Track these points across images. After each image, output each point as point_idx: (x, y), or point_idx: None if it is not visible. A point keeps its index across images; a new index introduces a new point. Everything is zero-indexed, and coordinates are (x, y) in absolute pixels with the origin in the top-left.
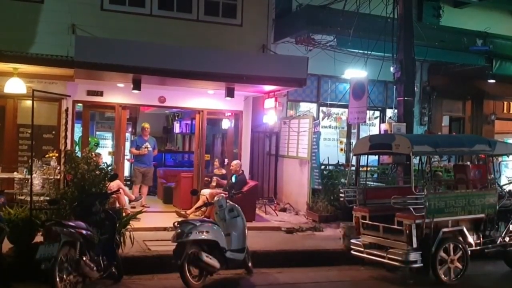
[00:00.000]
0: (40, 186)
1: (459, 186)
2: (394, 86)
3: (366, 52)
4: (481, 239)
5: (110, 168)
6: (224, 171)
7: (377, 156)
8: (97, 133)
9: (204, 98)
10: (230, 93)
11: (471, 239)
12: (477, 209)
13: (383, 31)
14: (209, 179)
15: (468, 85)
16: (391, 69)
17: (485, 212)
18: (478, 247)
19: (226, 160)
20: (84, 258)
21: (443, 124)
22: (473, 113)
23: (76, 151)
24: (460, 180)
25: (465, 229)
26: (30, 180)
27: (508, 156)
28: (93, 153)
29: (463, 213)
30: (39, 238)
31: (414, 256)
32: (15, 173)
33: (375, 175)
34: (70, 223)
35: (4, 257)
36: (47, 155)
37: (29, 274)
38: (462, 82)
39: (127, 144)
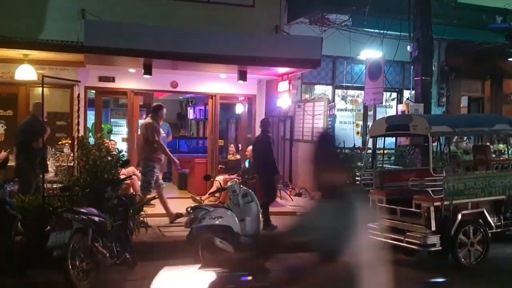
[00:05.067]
0: (53, 173)
1: (479, 167)
2: (411, 67)
3: (382, 31)
4: (502, 221)
5: (122, 154)
6: (238, 156)
7: (394, 139)
8: (112, 120)
9: (216, 82)
10: (242, 76)
11: (491, 221)
12: (498, 191)
13: (399, 9)
14: (223, 167)
15: (487, 64)
16: (408, 47)
17: (506, 193)
18: (499, 229)
19: (240, 146)
20: (96, 245)
21: (461, 105)
22: (492, 93)
23: (89, 138)
24: (480, 161)
25: (485, 211)
26: (42, 167)
27: None
28: (106, 140)
29: (483, 195)
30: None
31: (432, 239)
32: None
33: (392, 158)
34: (82, 210)
35: (18, 244)
36: (60, 142)
37: (42, 261)
38: (481, 61)
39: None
